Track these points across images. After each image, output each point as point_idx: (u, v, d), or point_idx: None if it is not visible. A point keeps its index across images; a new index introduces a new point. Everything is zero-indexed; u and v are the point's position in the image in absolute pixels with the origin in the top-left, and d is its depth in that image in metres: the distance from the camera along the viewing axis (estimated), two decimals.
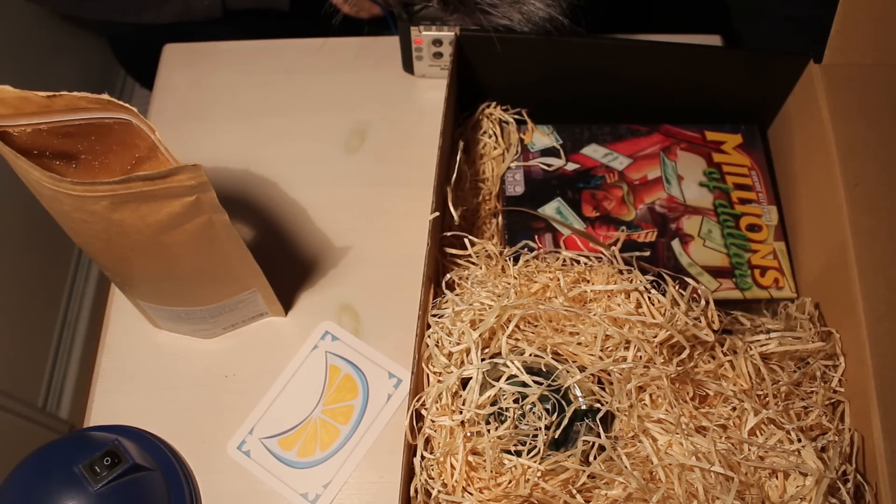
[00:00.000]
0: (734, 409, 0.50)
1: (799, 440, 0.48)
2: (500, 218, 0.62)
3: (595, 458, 0.47)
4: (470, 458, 0.47)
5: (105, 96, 0.44)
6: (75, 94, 0.43)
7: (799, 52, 0.59)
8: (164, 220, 0.45)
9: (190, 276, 0.53)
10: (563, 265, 0.55)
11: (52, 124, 0.45)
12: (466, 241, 0.57)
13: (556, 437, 0.47)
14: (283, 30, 0.79)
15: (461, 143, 0.63)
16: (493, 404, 0.48)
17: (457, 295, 0.54)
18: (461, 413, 0.48)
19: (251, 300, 0.58)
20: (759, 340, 0.53)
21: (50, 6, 1.04)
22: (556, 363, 0.49)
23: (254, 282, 0.56)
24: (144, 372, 0.60)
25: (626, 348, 0.50)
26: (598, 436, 0.47)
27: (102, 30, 1.12)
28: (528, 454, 0.46)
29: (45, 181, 0.42)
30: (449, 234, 0.58)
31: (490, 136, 0.66)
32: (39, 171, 0.41)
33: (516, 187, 0.63)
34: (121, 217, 0.44)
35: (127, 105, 0.44)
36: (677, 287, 0.51)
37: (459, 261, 0.58)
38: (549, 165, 0.64)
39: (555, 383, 0.48)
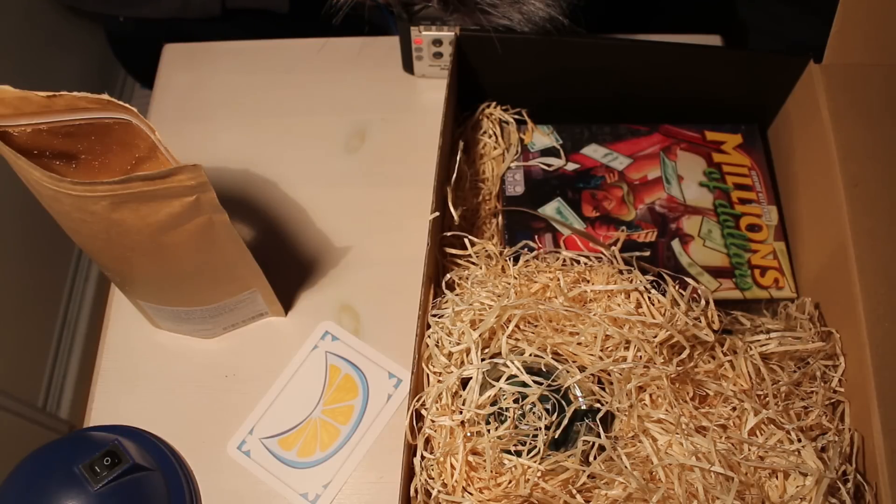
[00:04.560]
0: (734, 409, 0.50)
1: (799, 440, 0.48)
2: (500, 218, 0.62)
3: (595, 458, 0.47)
4: (470, 458, 0.47)
5: (105, 96, 0.44)
6: (75, 94, 0.43)
7: (799, 53, 0.59)
8: (164, 220, 0.45)
9: (190, 276, 0.53)
10: (563, 265, 0.55)
11: (52, 124, 0.45)
12: (466, 241, 0.57)
13: (556, 437, 0.47)
14: (282, 30, 0.79)
15: (461, 143, 0.63)
16: (493, 404, 0.48)
17: (457, 295, 0.54)
18: (461, 413, 0.48)
19: (251, 300, 0.58)
20: (759, 340, 0.53)
21: None
22: (556, 363, 0.49)
23: (254, 282, 0.56)
24: (144, 372, 0.60)
25: (626, 348, 0.50)
26: (598, 436, 0.47)
27: (102, 28, 1.12)
28: (528, 454, 0.46)
29: (45, 181, 0.42)
30: (449, 234, 0.58)
31: (490, 136, 0.66)
32: (39, 171, 0.41)
33: (516, 187, 0.63)
34: (121, 217, 0.44)
35: (127, 105, 0.44)
36: (677, 287, 0.51)
37: (459, 261, 0.58)
38: (549, 165, 0.64)
39: (555, 383, 0.48)
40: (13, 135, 0.44)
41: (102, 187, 0.42)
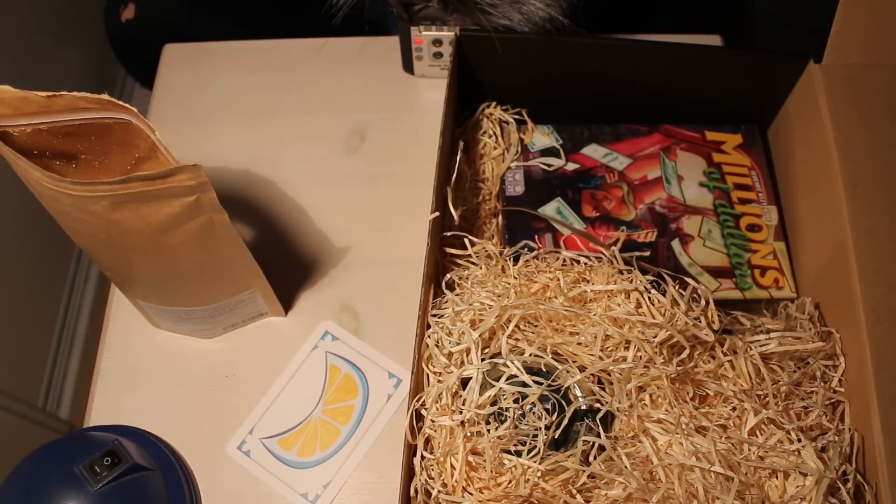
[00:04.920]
0: (734, 409, 0.50)
1: (799, 440, 0.48)
2: (500, 218, 0.62)
3: (595, 458, 0.47)
4: (470, 458, 0.47)
5: (105, 96, 0.44)
6: (75, 94, 0.43)
7: (799, 52, 0.59)
8: (164, 221, 0.45)
9: (190, 276, 0.53)
10: (563, 265, 0.55)
11: (52, 124, 0.45)
12: (466, 241, 0.57)
13: (556, 437, 0.47)
14: (274, 24, 0.78)
15: (461, 143, 0.63)
16: (493, 404, 0.48)
17: (457, 295, 0.54)
18: (461, 413, 0.48)
19: (251, 300, 0.58)
20: (759, 340, 0.53)
21: None
22: (556, 363, 0.49)
23: (254, 282, 0.56)
24: (144, 372, 0.60)
25: (626, 348, 0.50)
26: (598, 436, 0.47)
27: (103, 28, 1.12)
28: (528, 454, 0.46)
29: (45, 181, 0.42)
30: (449, 234, 0.58)
31: (490, 136, 0.66)
32: (39, 171, 0.41)
33: (516, 187, 0.63)
34: (121, 217, 0.44)
35: (127, 105, 0.44)
36: (677, 287, 0.51)
37: (459, 261, 0.58)
38: (549, 165, 0.64)
39: (555, 383, 0.48)
40: (13, 135, 0.44)
41: (102, 187, 0.42)
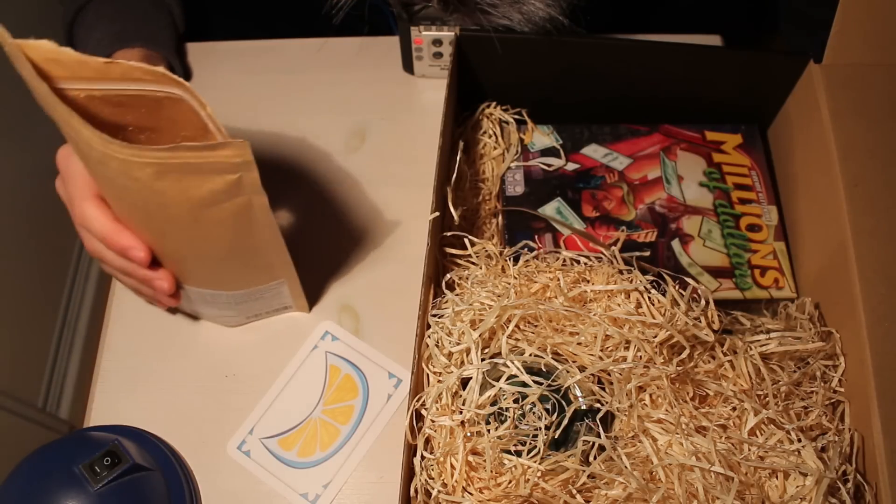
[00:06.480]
0: (734, 409, 0.50)
1: (799, 440, 0.48)
2: (500, 218, 0.62)
3: (595, 458, 0.47)
4: (470, 458, 0.47)
5: (160, 69, 0.43)
6: (132, 63, 0.43)
7: (799, 52, 0.59)
8: (204, 196, 0.45)
9: (221, 257, 0.52)
10: (563, 265, 0.55)
11: (106, 91, 0.44)
12: (466, 241, 0.57)
13: (556, 437, 0.47)
14: (275, 16, 0.78)
15: (461, 143, 0.63)
16: (493, 404, 0.48)
17: (457, 295, 0.54)
18: (461, 413, 0.48)
19: (277, 291, 0.58)
20: (759, 340, 0.53)
21: None
22: (556, 363, 0.49)
23: (282, 272, 0.56)
24: (144, 372, 0.60)
25: (626, 348, 0.50)
26: (598, 436, 0.47)
27: None
28: (528, 454, 0.46)
29: (95, 141, 0.41)
30: (449, 234, 0.58)
31: (490, 136, 0.66)
32: (89, 130, 0.41)
33: (516, 187, 0.63)
34: (163, 187, 0.44)
35: (181, 80, 0.43)
36: (677, 287, 0.51)
37: (459, 261, 0.58)
38: (549, 165, 0.64)
39: (555, 383, 0.48)
40: (67, 97, 0.44)
41: (150, 153, 0.42)
